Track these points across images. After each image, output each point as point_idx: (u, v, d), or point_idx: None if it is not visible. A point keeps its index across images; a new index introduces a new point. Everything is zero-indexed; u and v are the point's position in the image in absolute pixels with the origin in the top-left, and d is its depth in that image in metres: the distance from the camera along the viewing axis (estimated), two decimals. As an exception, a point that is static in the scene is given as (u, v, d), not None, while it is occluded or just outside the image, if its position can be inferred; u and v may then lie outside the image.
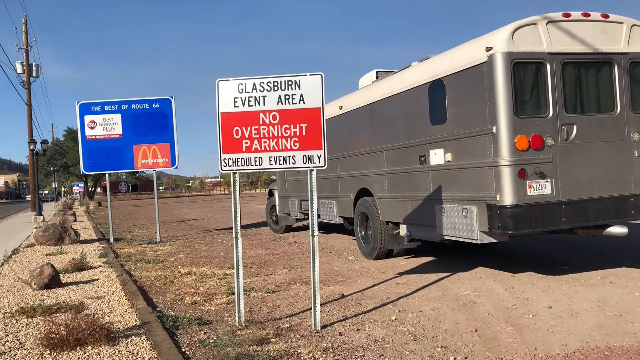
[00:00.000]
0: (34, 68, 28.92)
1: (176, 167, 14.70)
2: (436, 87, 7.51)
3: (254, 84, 5.46)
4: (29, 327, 5.59)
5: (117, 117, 14.36)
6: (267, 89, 5.44)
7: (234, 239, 5.54)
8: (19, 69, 28.47)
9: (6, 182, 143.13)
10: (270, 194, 15.75)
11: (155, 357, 4.46)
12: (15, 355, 4.67)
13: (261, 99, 5.44)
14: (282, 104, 5.42)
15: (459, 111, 7.09)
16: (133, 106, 14.46)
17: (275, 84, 5.44)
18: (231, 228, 5.93)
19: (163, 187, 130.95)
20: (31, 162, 29.04)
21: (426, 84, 7.73)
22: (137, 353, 4.56)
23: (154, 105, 14.48)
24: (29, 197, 41.92)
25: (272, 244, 12.68)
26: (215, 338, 5.01)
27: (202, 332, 5.31)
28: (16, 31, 29.64)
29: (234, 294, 6.52)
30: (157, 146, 14.46)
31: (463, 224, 6.98)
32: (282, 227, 14.80)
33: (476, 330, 5.02)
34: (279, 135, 5.42)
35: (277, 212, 14.72)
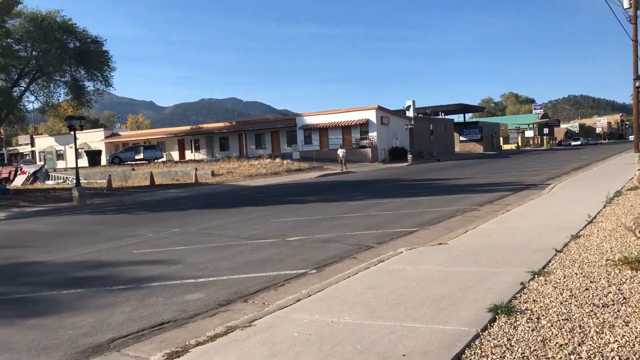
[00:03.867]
0: (641, 0, 27.02)
1: None
2: None
3: None
4: (633, 280, 5.06)
5: None
6: None
7: None
8: (626, 4, 27.22)
9: (609, 123, 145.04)
10: None
11: None
12: (618, 310, 4.26)
13: None
14: None
15: None
16: None
17: None
18: None
19: None
20: (635, 101, 27.69)
21: None
22: None
23: None
24: (631, 137, 40.66)
25: None
26: None
27: None
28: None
29: None
30: None
31: None
32: None
33: None
34: None
35: None
